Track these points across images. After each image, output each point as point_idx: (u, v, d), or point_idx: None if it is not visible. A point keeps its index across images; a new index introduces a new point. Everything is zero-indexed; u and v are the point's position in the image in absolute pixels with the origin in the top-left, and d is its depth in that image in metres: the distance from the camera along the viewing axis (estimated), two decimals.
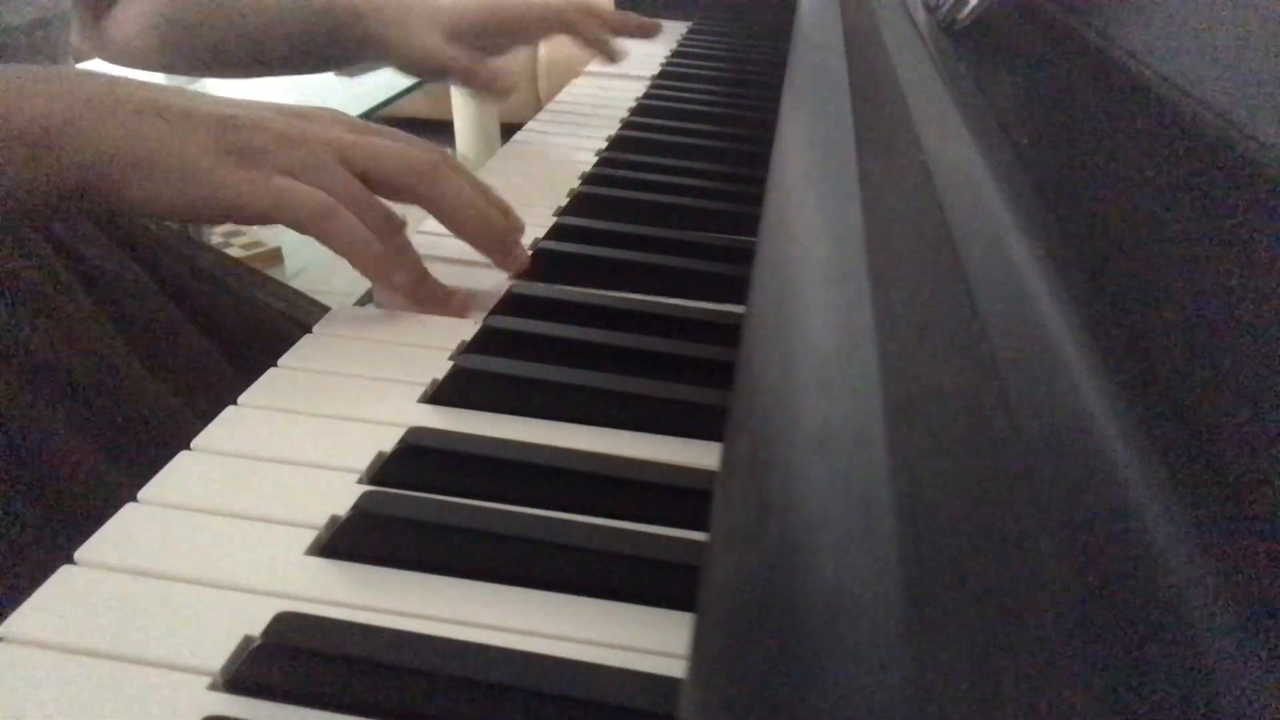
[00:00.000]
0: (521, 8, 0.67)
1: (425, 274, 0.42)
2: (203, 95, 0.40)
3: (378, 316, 0.42)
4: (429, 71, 0.66)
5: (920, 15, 0.57)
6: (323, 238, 0.38)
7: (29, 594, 0.26)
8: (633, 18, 0.72)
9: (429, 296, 0.42)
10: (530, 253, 0.47)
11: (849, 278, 0.25)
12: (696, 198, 0.56)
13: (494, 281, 0.45)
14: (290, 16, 0.68)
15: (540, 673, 0.24)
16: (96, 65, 0.71)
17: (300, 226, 0.38)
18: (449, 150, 0.54)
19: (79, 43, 0.71)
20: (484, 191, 0.44)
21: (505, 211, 0.45)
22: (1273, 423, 0.16)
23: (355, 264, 0.39)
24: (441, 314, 0.42)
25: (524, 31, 0.69)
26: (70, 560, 0.27)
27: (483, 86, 0.64)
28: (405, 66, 0.67)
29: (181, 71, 0.74)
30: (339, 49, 0.68)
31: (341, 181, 0.39)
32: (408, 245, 0.41)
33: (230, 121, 0.38)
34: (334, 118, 0.42)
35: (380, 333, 0.40)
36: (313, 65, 0.72)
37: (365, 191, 0.40)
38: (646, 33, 0.73)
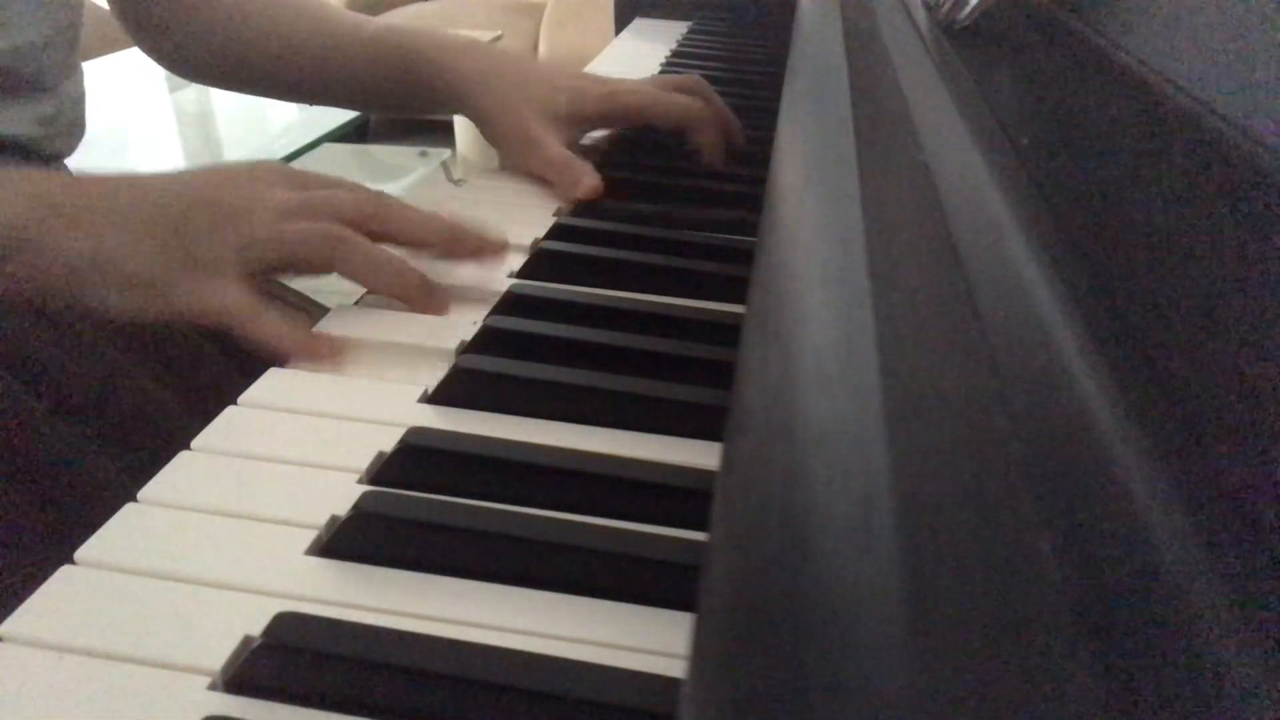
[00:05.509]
0: (645, 101, 0.60)
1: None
2: (152, 181, 0.41)
3: (378, 316, 0.42)
4: (510, 147, 0.57)
5: (920, 15, 0.57)
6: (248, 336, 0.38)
7: (29, 594, 0.26)
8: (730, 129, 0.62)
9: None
10: (530, 252, 0.47)
11: (849, 278, 0.25)
12: (696, 197, 0.56)
13: (494, 279, 0.45)
14: (354, 51, 0.62)
15: (540, 673, 0.24)
16: (111, 61, 0.69)
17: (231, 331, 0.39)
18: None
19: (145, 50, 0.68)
20: (429, 223, 0.43)
21: (453, 238, 0.44)
22: (1273, 422, 0.16)
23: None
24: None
25: (639, 122, 0.62)
26: (70, 560, 0.27)
27: (567, 189, 0.55)
28: (489, 136, 0.59)
29: (236, 90, 0.69)
30: (412, 97, 0.62)
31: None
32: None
33: (177, 223, 0.39)
34: (271, 179, 0.43)
35: (380, 333, 0.40)
36: (384, 106, 0.66)
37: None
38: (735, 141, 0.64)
